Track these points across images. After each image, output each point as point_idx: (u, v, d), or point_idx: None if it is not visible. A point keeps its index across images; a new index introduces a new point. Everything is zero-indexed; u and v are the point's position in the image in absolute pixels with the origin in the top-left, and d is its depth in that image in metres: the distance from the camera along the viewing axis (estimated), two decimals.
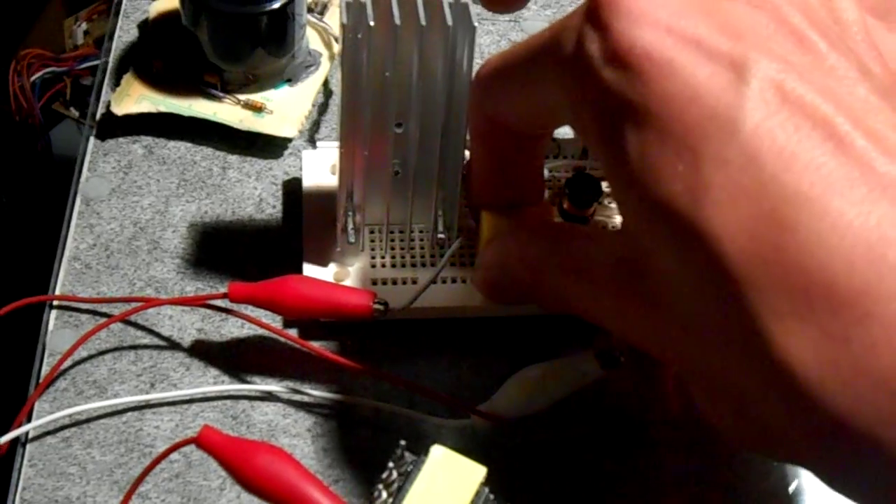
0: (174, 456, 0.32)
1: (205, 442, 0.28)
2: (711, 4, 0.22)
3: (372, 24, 0.30)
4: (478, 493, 0.24)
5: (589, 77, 0.22)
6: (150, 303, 0.34)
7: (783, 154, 0.20)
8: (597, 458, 0.33)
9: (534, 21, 0.44)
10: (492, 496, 0.24)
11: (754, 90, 0.20)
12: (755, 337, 0.20)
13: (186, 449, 0.32)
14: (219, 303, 0.34)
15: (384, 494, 0.24)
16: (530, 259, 0.29)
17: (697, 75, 0.21)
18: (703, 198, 0.20)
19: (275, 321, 0.34)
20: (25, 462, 0.32)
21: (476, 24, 0.30)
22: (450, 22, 0.30)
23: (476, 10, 0.30)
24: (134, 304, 0.34)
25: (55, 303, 0.35)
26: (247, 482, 0.27)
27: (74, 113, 1.06)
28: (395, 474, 0.24)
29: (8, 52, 1.02)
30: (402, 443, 0.25)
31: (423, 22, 0.30)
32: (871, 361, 0.19)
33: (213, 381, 0.34)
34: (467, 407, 0.33)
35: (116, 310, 0.35)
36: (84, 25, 1.07)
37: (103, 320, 0.35)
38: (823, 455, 0.21)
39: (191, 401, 0.34)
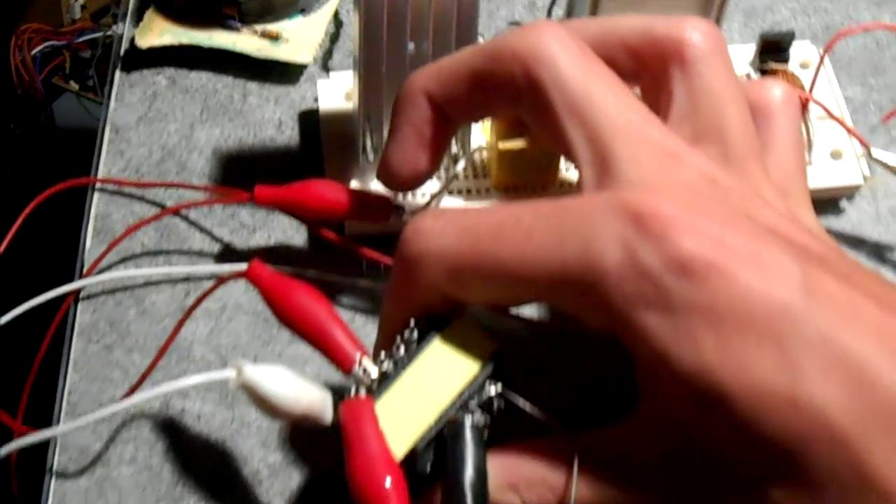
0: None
1: (253, 275, 0.30)
2: (742, 216, 0.24)
3: None
4: (488, 363, 0.26)
5: (647, 284, 0.23)
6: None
7: (853, 324, 0.23)
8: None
9: None
10: (501, 370, 0.26)
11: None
12: (870, 484, 0.22)
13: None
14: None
15: (402, 350, 0.26)
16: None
17: (756, 280, 0.23)
18: (799, 376, 0.22)
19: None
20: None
21: None
22: None
23: None
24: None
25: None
26: (282, 315, 0.28)
27: (74, 86, 1.07)
28: (416, 333, 0.26)
29: (8, 27, 1.04)
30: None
31: None
32: None
33: None
34: None
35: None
36: (81, 0, 1.08)
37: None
38: None
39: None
